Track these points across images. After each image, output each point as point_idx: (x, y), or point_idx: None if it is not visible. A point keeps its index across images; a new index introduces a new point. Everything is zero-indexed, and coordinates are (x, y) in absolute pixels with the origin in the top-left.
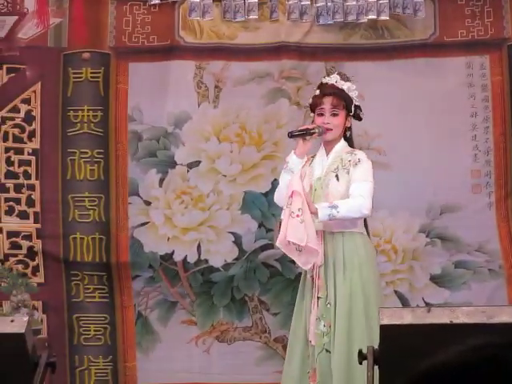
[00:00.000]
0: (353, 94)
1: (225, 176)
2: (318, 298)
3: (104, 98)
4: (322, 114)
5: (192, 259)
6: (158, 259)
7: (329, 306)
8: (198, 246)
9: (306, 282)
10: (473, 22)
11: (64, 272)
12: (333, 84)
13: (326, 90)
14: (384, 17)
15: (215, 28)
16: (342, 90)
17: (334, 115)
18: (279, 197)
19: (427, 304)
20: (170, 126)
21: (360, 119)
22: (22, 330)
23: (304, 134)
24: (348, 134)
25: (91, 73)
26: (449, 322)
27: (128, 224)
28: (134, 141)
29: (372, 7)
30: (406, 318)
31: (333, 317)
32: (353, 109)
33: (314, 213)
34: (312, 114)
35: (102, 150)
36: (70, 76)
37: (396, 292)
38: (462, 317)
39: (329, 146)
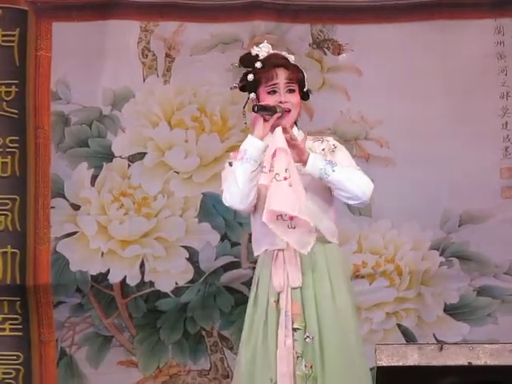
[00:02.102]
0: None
1: (177, 173)
2: (294, 329)
3: (20, 68)
4: (274, 92)
5: (133, 281)
6: (89, 281)
7: (308, 340)
8: (142, 264)
9: (260, 308)
10: None
11: None
12: (280, 53)
13: (277, 60)
14: None
15: None
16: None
17: (291, 91)
18: (235, 196)
19: (439, 342)
20: (106, 107)
21: (307, 97)
22: None
23: (269, 110)
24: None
25: (3, 35)
26: (467, 363)
27: (50, 234)
28: (58, 125)
29: None
30: (412, 357)
31: (318, 355)
32: (306, 84)
33: (304, 160)
34: (252, 95)
35: (16, 138)
36: None
37: (400, 326)
38: (484, 357)
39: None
